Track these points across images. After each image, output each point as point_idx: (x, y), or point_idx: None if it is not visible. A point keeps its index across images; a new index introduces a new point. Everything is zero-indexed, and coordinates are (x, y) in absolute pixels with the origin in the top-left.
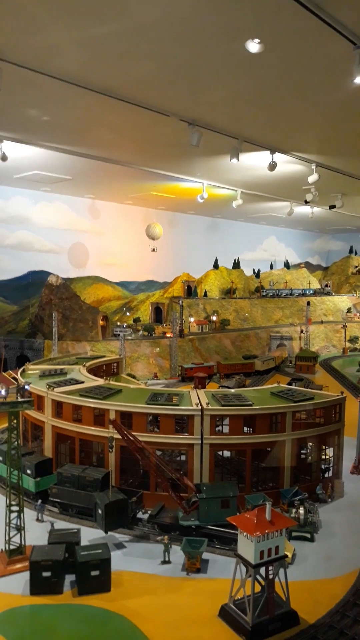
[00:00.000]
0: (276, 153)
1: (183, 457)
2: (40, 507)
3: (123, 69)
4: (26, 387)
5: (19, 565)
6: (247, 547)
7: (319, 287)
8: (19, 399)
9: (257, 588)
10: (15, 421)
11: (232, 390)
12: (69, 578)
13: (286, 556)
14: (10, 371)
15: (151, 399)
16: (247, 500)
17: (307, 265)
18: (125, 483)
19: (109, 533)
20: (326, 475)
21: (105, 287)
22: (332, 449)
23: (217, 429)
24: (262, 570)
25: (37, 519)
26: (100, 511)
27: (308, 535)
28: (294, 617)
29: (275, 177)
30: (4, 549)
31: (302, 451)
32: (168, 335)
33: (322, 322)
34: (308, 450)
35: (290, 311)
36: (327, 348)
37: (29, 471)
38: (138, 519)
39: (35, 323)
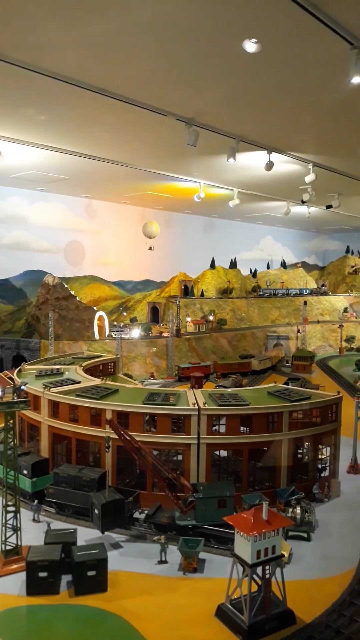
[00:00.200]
0: (273, 153)
1: (180, 457)
2: (37, 508)
3: (120, 68)
4: (22, 387)
5: (15, 566)
6: (243, 546)
7: (315, 286)
8: (16, 399)
9: (254, 587)
10: (11, 421)
11: (229, 390)
12: (66, 578)
13: (283, 556)
14: (7, 371)
15: (148, 399)
16: (243, 499)
17: (304, 265)
18: (122, 483)
19: (106, 533)
20: (323, 474)
21: (101, 286)
22: (328, 448)
23: (213, 428)
24: (259, 569)
25: (34, 519)
26: (96, 511)
27: (304, 535)
28: (290, 617)
29: (272, 177)
30: (0, 550)
31: (299, 451)
32: (165, 335)
33: (318, 321)
34: (305, 450)
35: (287, 311)
36: (324, 348)
37: (25, 471)
38: (135, 518)
39: (32, 323)
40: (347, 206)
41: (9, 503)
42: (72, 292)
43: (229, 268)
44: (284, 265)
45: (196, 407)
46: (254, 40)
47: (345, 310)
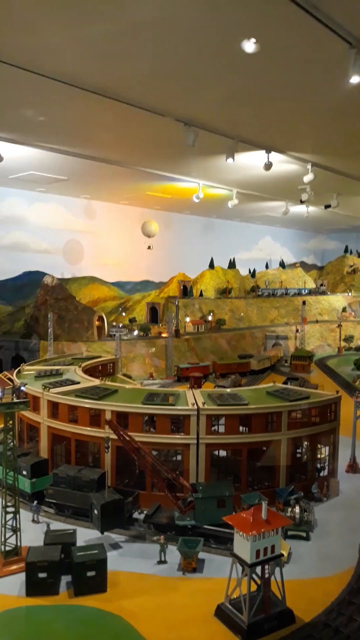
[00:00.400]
0: (272, 153)
1: (179, 457)
2: (36, 508)
3: (119, 69)
4: (22, 388)
5: (14, 567)
6: (243, 546)
7: (314, 286)
8: (15, 400)
9: (253, 587)
10: (11, 422)
11: (228, 390)
12: (65, 579)
13: (282, 555)
14: (6, 372)
15: (147, 399)
16: (242, 499)
17: (303, 264)
18: (121, 483)
19: (105, 533)
20: (322, 474)
21: (100, 287)
22: (327, 448)
23: (213, 428)
24: (258, 569)
25: (33, 520)
26: (96, 511)
27: (304, 534)
28: (289, 616)
29: (270, 177)
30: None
31: (298, 450)
32: (164, 335)
33: (317, 321)
34: (303, 450)
35: (285, 310)
36: (323, 347)
37: (24, 472)
38: (134, 519)
39: (31, 324)
40: (345, 206)
41: (9, 504)
42: (71, 293)
43: (228, 268)
44: (282, 265)
45: (195, 407)
46: (252, 40)
47: (344, 309)
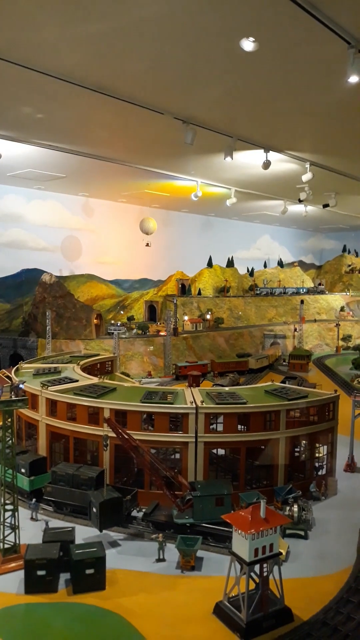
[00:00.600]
0: (270, 152)
1: (177, 455)
2: (35, 506)
3: (118, 66)
4: (20, 385)
5: (13, 564)
6: (241, 544)
7: (312, 285)
8: (13, 398)
9: (252, 585)
10: (9, 420)
11: (226, 389)
12: (64, 576)
13: (280, 553)
14: (4, 370)
15: (145, 398)
16: (241, 498)
17: (301, 263)
18: (120, 481)
19: (104, 531)
20: (320, 473)
21: (99, 285)
22: (325, 446)
23: (211, 427)
24: (257, 567)
25: (32, 518)
26: (94, 509)
27: (302, 533)
28: (288, 614)
29: (269, 176)
30: None
31: (296, 449)
32: (162, 333)
33: (315, 320)
34: (302, 448)
35: (283, 309)
36: (321, 346)
37: (23, 470)
38: (132, 517)
39: (29, 321)
40: (343, 205)
41: (7, 501)
42: (70, 291)
43: (226, 267)
44: (280, 264)
45: (194, 405)
46: (251, 39)
47: (342, 309)
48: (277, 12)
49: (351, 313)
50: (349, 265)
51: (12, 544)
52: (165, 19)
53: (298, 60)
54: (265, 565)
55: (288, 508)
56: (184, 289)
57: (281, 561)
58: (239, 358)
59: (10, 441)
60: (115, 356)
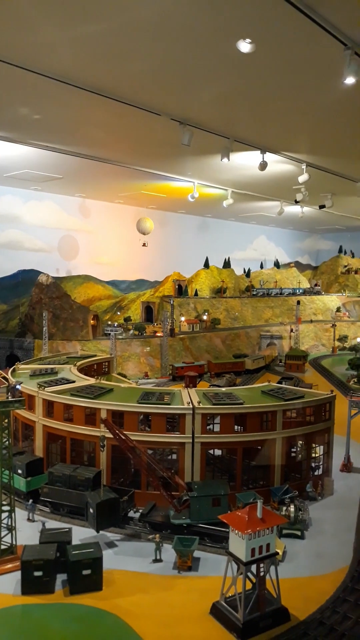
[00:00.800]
0: (267, 153)
1: (174, 456)
2: (32, 507)
3: (114, 68)
4: (17, 386)
5: (10, 565)
6: (238, 544)
7: (308, 286)
8: (10, 399)
9: (248, 585)
10: (6, 421)
11: (223, 389)
12: (61, 577)
13: (277, 553)
14: (0, 371)
15: (142, 398)
16: (238, 498)
17: (297, 264)
18: (117, 482)
19: (101, 532)
20: (316, 473)
21: (95, 286)
22: (322, 447)
23: (208, 427)
24: (253, 567)
25: (29, 519)
26: (91, 510)
27: (298, 533)
28: (284, 614)
29: (265, 177)
30: None
31: (293, 449)
32: (159, 334)
33: (311, 321)
34: (298, 449)
35: (280, 310)
36: (317, 347)
37: (20, 471)
38: (129, 517)
39: (25, 322)
40: (340, 206)
41: (4, 502)
42: (66, 292)
43: (223, 268)
44: (277, 264)
45: (190, 406)
46: (248, 40)
47: (338, 309)
48: (274, 14)
49: (347, 314)
50: (345, 266)
51: (8, 544)
52: (162, 20)
53: (294, 62)
54: (262, 565)
55: (284, 508)
56: (181, 290)
57: (278, 561)
58: (236, 359)
59: (7, 442)
60: (112, 357)
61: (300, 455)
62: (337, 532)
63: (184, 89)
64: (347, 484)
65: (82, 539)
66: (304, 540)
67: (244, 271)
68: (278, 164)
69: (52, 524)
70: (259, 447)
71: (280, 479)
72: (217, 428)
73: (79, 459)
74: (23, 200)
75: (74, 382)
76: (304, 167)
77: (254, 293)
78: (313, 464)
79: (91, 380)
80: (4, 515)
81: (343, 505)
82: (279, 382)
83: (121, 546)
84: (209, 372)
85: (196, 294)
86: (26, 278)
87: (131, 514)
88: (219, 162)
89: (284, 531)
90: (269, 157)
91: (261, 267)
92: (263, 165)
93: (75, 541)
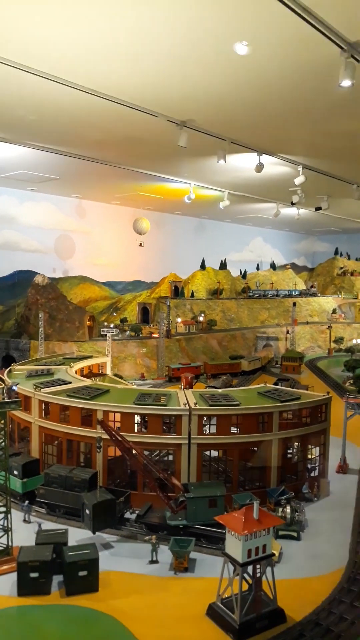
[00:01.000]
0: (263, 155)
1: (171, 457)
2: (28, 508)
3: (111, 68)
4: (14, 387)
5: (6, 567)
6: (234, 546)
7: (304, 288)
8: (6, 400)
9: (245, 586)
10: (2, 422)
11: (219, 390)
12: (57, 579)
13: (273, 555)
14: None
15: (139, 399)
16: (234, 499)
17: (293, 266)
18: (113, 483)
19: (97, 533)
20: (312, 474)
21: (91, 287)
22: (318, 448)
23: (204, 428)
24: (250, 568)
25: (25, 520)
26: (87, 511)
27: (294, 534)
28: (280, 615)
29: (262, 179)
30: None
31: (289, 451)
32: (155, 335)
33: (307, 322)
34: (294, 450)
35: (276, 312)
36: (313, 348)
37: (16, 472)
38: (126, 519)
39: (21, 323)
40: (336, 208)
41: (0, 504)
42: (62, 293)
43: (219, 269)
44: (273, 266)
45: (187, 407)
46: (244, 42)
47: (334, 311)
48: (270, 17)
49: (343, 315)
50: (341, 268)
51: (4, 546)
52: (161, 22)
53: (291, 64)
54: (258, 566)
55: (281, 509)
56: (177, 291)
57: (274, 562)
58: (232, 360)
59: (3, 443)
60: (108, 358)
61: (296, 457)
62: (333, 533)
63: (181, 90)
64: (343, 486)
65: (78, 540)
66: (300, 542)
67: (240, 273)
68: (274, 166)
69: (48, 525)
70: (256, 449)
71: (277, 480)
72: (213, 429)
73: (75, 460)
74: (19, 201)
75: (70, 383)
76: (300, 169)
77: (250, 294)
78: (309, 466)
79: (87, 382)
80: (0, 516)
81: (339, 506)
82: (275, 384)
83: (117, 547)
84: (205, 373)
85: (192, 295)
86: (22, 279)
87: (127, 515)
88: (216, 163)
89: (280, 532)
90: (266, 159)
91: (257, 268)
92: (259, 167)
93: (71, 542)
